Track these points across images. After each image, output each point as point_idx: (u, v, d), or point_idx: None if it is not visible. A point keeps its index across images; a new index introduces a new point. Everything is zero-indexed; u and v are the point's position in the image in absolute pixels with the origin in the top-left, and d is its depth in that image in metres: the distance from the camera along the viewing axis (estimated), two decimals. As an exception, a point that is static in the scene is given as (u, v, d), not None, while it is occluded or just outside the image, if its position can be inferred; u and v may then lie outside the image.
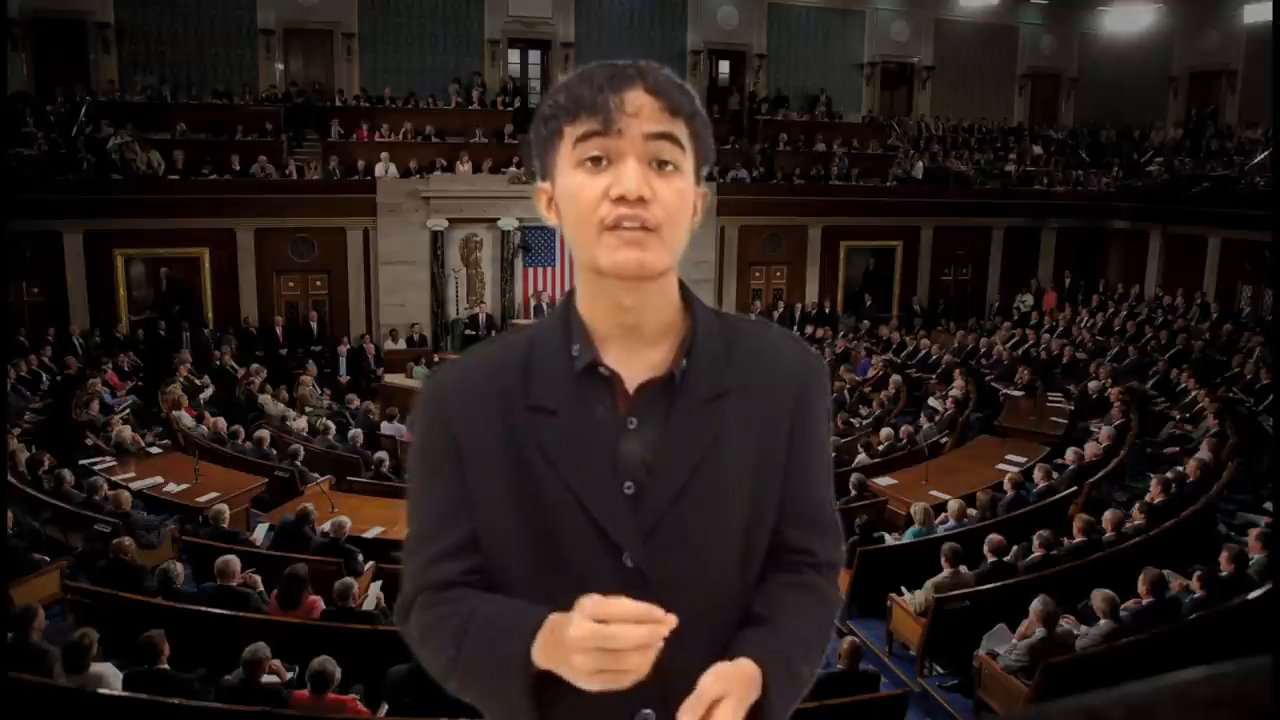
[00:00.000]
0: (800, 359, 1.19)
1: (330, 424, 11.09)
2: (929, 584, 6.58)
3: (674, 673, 1.01)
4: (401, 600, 1.19)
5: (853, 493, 8.53)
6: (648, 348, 1.12)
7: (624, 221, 1.03)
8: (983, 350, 14.88)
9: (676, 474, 1.08)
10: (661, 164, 1.05)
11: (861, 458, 10.27)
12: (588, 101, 1.04)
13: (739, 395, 1.12)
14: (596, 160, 1.05)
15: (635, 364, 1.12)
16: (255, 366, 12.95)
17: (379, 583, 6.63)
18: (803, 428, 1.16)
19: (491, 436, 1.10)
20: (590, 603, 0.95)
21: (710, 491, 1.10)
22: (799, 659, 1.12)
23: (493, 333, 14.29)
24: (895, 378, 13.38)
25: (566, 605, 1.02)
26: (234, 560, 6.09)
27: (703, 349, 1.13)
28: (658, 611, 0.95)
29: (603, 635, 0.94)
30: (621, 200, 1.03)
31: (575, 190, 1.06)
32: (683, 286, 1.16)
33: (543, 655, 1.01)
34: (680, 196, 1.07)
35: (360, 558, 7.01)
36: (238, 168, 14.95)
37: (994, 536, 6.91)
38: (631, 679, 0.95)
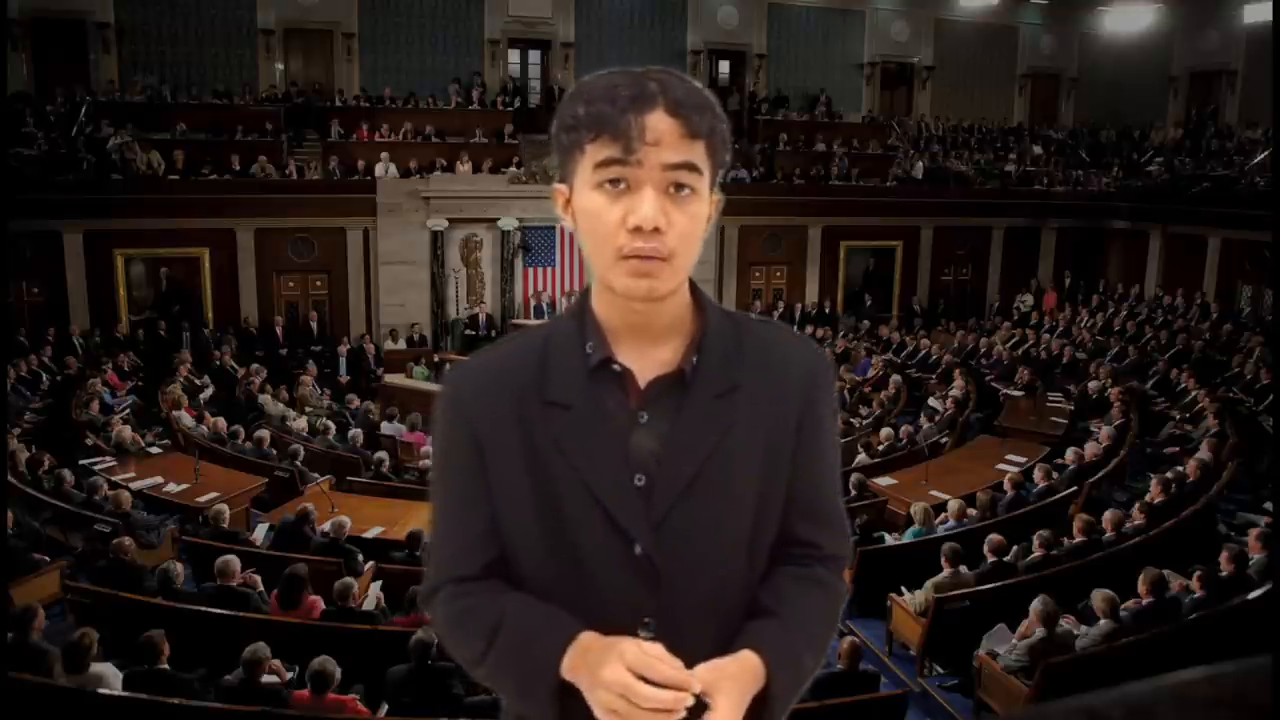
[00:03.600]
0: (808, 356, 1.22)
1: (330, 424, 11.09)
2: (929, 584, 6.58)
3: (685, 657, 1.05)
4: (427, 587, 1.24)
5: (853, 493, 8.52)
6: (659, 345, 1.16)
7: (639, 252, 1.07)
8: (983, 350, 14.88)
9: (686, 466, 1.12)
10: (679, 187, 1.08)
11: (861, 458, 10.28)
12: (610, 124, 1.05)
13: (748, 391, 1.15)
14: (615, 183, 1.07)
15: (647, 360, 1.16)
16: (255, 366, 12.95)
17: (379, 583, 6.63)
18: (810, 423, 1.19)
19: (508, 430, 1.14)
20: (633, 654, 1.01)
21: (719, 484, 1.13)
22: (803, 650, 1.15)
23: (493, 333, 14.31)
24: (895, 378, 13.38)
25: (580, 592, 1.11)
26: (234, 560, 6.09)
27: (713, 346, 1.16)
28: (687, 678, 1.01)
29: (631, 689, 0.99)
30: (638, 230, 1.06)
31: (594, 213, 1.09)
32: (694, 285, 1.19)
33: (568, 668, 1.06)
34: (694, 220, 1.10)
35: (360, 558, 7.00)
36: (238, 168, 14.95)
37: (994, 536, 6.91)
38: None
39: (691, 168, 1.07)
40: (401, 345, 14.59)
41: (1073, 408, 12.00)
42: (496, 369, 1.19)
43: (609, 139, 1.05)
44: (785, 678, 1.10)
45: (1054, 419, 11.70)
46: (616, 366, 1.14)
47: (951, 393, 12.10)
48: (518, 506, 1.14)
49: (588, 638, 1.07)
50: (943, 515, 7.92)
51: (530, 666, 1.09)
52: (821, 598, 1.21)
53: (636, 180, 1.06)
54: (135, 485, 8.47)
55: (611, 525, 1.11)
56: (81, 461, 9.12)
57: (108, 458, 9.35)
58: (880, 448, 10.52)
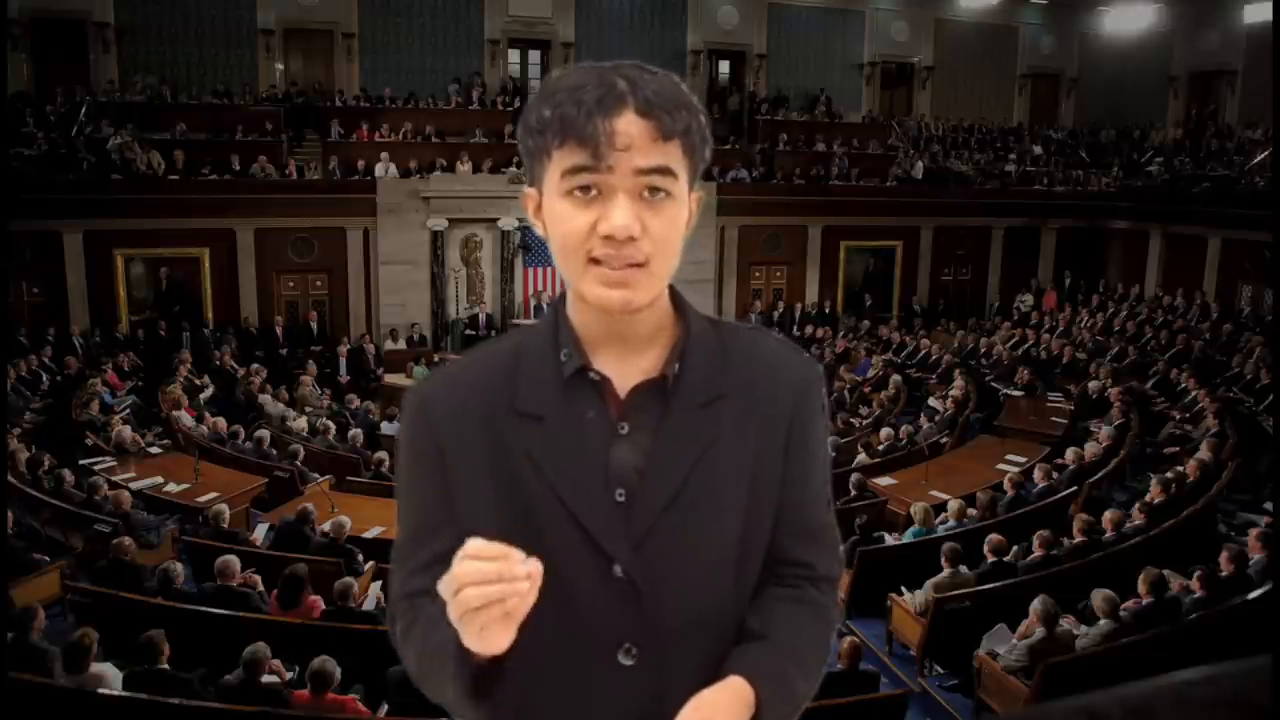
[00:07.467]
0: (797, 365, 1.15)
1: (330, 424, 11.09)
2: (929, 584, 6.58)
3: (669, 685, 1.00)
4: (388, 607, 1.19)
5: (853, 493, 8.53)
6: (639, 352, 1.09)
7: (610, 260, 1.00)
8: (983, 350, 14.88)
9: (669, 481, 1.05)
10: (653, 191, 1.01)
11: (861, 458, 10.28)
12: (576, 129, 0.98)
13: (734, 401, 1.09)
14: (585, 190, 1.00)
15: (626, 368, 1.08)
16: (255, 366, 12.96)
17: (379, 583, 6.63)
18: (799, 436, 1.12)
19: (477, 444, 1.07)
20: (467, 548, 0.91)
21: (704, 499, 1.06)
22: (795, 676, 1.09)
23: (493, 332, 14.30)
24: (895, 378, 13.38)
25: (556, 614, 1.00)
26: (234, 560, 6.09)
27: (696, 352, 1.09)
28: (512, 553, 0.89)
29: (457, 573, 0.89)
30: (609, 239, 0.99)
31: (562, 220, 1.02)
32: (674, 291, 1.12)
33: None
34: (671, 224, 1.03)
35: (360, 558, 7.01)
36: (238, 168, 14.95)
37: (994, 536, 6.91)
38: (482, 632, 0.89)
39: (665, 171, 1.00)
40: (401, 345, 14.59)
41: (1073, 408, 12.00)
42: (466, 378, 1.11)
43: (576, 144, 0.98)
44: (777, 706, 1.03)
45: (1054, 419, 11.71)
46: (593, 374, 1.07)
47: (951, 393, 12.10)
48: (487, 522, 1.03)
49: None
50: (943, 515, 7.92)
51: (439, 647, 1.00)
52: (813, 620, 1.14)
53: (607, 187, 0.99)
54: (135, 485, 8.48)
55: (589, 544, 1.03)
56: (81, 461, 9.13)
57: (108, 458, 9.35)
58: (880, 448, 10.53)
